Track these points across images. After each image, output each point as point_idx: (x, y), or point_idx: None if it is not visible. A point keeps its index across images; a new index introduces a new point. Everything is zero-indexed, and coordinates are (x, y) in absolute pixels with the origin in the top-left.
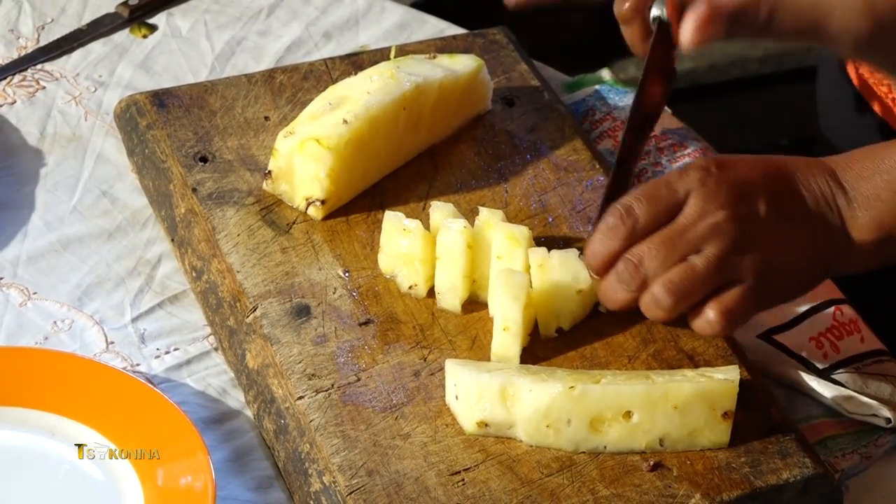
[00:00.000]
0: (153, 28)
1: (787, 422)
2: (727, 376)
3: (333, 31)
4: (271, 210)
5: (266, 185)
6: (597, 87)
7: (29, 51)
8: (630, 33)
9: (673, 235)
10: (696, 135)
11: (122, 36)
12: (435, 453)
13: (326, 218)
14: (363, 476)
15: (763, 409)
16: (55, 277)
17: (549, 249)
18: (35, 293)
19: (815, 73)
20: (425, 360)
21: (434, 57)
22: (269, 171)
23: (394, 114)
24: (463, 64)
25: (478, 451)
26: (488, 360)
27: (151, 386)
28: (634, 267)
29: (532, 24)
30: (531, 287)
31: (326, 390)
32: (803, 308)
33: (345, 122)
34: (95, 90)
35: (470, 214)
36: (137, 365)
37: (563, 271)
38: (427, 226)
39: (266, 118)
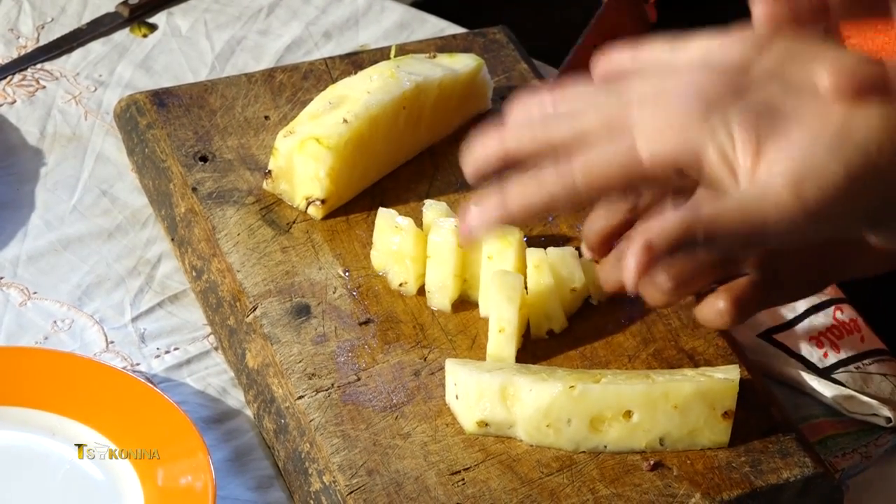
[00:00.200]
0: (153, 27)
1: (788, 421)
2: (727, 376)
3: (333, 30)
4: (271, 209)
5: (266, 185)
6: None
7: (29, 50)
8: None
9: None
10: None
11: (122, 35)
12: (435, 453)
13: (326, 217)
14: (363, 475)
15: (763, 409)
16: (55, 277)
17: (548, 248)
18: (35, 293)
19: None
20: (425, 359)
21: (434, 56)
22: (269, 171)
23: (394, 113)
24: (463, 63)
25: (478, 451)
26: None
27: (151, 385)
28: (644, 250)
29: (532, 23)
30: (525, 288)
31: (326, 390)
32: (803, 307)
33: (345, 121)
34: (95, 89)
35: None
36: (137, 364)
37: (558, 271)
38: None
39: (266, 117)
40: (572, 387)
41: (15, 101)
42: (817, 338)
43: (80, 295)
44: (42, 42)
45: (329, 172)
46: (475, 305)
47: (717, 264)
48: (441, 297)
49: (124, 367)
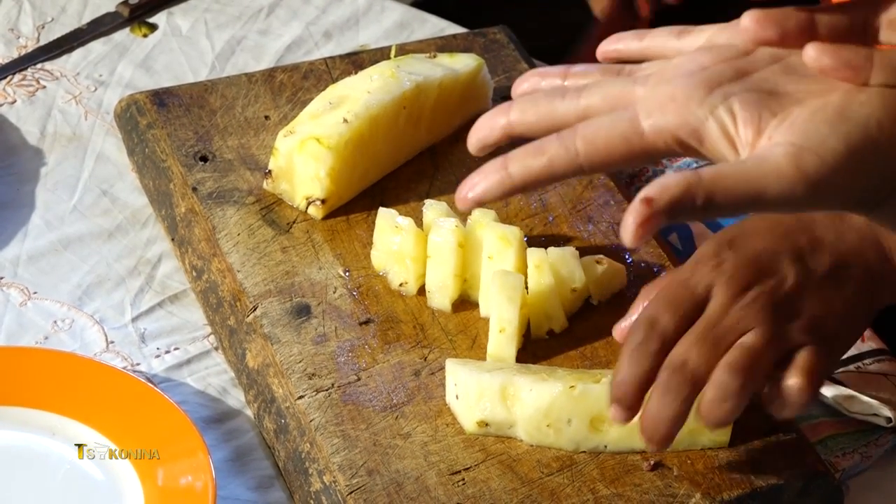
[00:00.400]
0: (153, 27)
1: (788, 421)
2: None
3: (333, 30)
4: (271, 209)
5: (266, 185)
6: None
7: (29, 50)
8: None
9: (709, 327)
10: None
11: (123, 35)
12: (435, 453)
13: (327, 217)
14: (363, 475)
15: (764, 409)
16: (55, 277)
17: (548, 248)
18: (35, 293)
19: None
20: (425, 359)
21: (434, 56)
22: (270, 171)
23: (394, 113)
24: (463, 63)
25: (478, 451)
26: None
27: (152, 385)
28: (679, 369)
29: (532, 23)
30: (526, 288)
31: (327, 390)
32: None
33: (345, 121)
34: (96, 89)
35: (470, 214)
36: (138, 364)
37: (559, 271)
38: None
39: (266, 117)
40: (573, 387)
41: (15, 101)
42: None
43: (80, 295)
44: (42, 42)
45: (329, 172)
46: (475, 305)
47: (769, 344)
48: (441, 297)
49: (124, 367)
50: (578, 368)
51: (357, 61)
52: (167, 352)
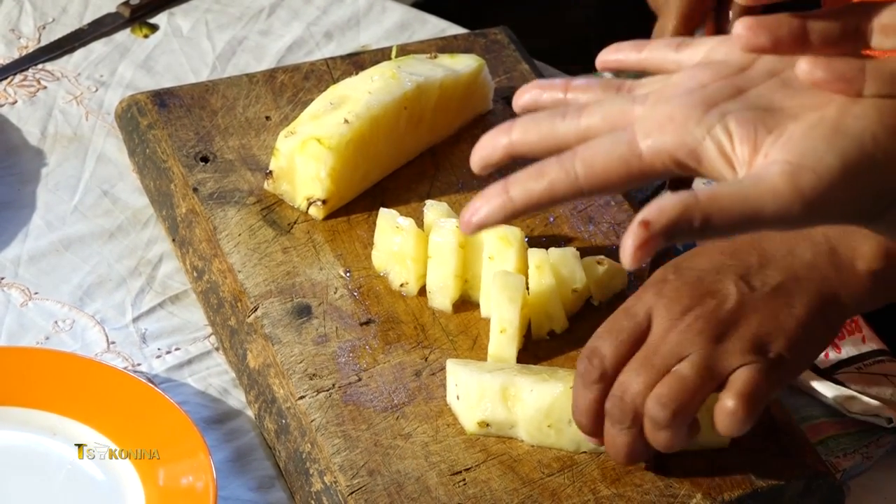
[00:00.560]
0: (154, 28)
1: (789, 422)
2: None
3: (334, 30)
4: (272, 210)
5: (267, 185)
6: None
7: (30, 50)
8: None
9: (648, 354)
10: None
11: (124, 36)
12: (436, 453)
13: (328, 218)
14: (364, 476)
15: (764, 409)
16: (56, 277)
17: (549, 248)
18: (36, 293)
19: None
20: (426, 359)
21: (435, 57)
22: (271, 171)
23: (395, 113)
24: (464, 64)
25: (479, 451)
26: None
27: (152, 386)
28: (620, 399)
29: (533, 23)
30: (527, 289)
31: (327, 390)
32: None
33: (346, 121)
34: (96, 90)
35: None
36: (138, 365)
37: (559, 271)
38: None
39: (267, 118)
40: (573, 387)
41: (16, 102)
42: None
43: (81, 295)
44: (43, 42)
45: (330, 173)
46: (476, 306)
47: (704, 371)
48: (442, 297)
49: (125, 368)
50: None
51: (358, 62)
52: (168, 352)
